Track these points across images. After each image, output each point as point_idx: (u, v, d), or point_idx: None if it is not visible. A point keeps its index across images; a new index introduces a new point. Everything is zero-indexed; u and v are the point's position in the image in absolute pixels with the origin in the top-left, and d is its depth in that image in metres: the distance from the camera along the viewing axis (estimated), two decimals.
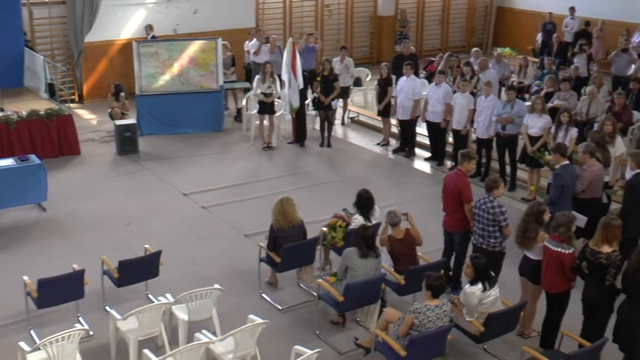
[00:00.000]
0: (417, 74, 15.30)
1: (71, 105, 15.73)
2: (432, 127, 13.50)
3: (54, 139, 13.44)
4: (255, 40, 16.49)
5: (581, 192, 9.36)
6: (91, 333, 7.99)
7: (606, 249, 7.23)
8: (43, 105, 13.77)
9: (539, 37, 20.42)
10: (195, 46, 15.12)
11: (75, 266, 8.19)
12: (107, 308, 8.22)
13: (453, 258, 9.09)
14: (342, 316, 8.37)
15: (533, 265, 7.87)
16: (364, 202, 9.07)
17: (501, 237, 8.34)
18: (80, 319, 8.20)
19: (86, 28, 16.63)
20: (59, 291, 7.86)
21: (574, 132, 11.33)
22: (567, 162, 9.46)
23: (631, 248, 7.46)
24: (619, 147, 10.51)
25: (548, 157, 10.11)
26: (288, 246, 8.59)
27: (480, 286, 7.41)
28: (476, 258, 7.54)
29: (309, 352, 6.73)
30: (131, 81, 15.28)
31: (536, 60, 18.94)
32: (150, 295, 8.72)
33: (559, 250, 7.47)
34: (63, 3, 16.75)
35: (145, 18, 17.45)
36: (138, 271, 8.43)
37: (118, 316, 7.53)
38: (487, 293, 7.42)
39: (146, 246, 8.90)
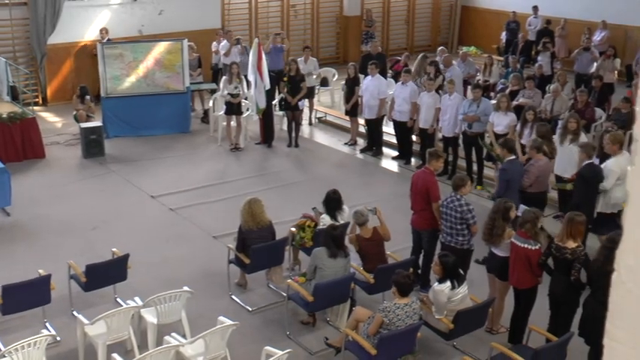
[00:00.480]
0: (385, 73, 15.38)
1: (35, 108, 15.54)
2: (398, 126, 13.57)
3: (17, 143, 13.24)
4: (225, 41, 16.48)
5: (529, 186, 9.52)
6: (59, 339, 7.89)
7: (571, 244, 7.33)
8: (5, 108, 13.57)
9: (504, 35, 20.65)
10: (160, 48, 15.01)
11: (41, 271, 8.09)
12: (74, 313, 8.11)
13: (421, 256, 9.15)
14: (312, 316, 8.37)
15: (501, 261, 7.96)
16: (331, 202, 9.08)
17: (469, 235, 8.41)
18: (47, 324, 8.09)
19: (49, 29, 16.41)
20: (25, 297, 7.76)
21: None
22: (514, 157, 9.61)
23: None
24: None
25: (498, 151, 10.30)
26: (257, 247, 8.57)
27: (448, 284, 7.46)
28: (444, 256, 7.60)
29: (280, 352, 6.72)
30: (96, 83, 15.11)
31: (501, 58, 19.14)
32: (118, 299, 8.63)
33: (526, 246, 7.56)
34: (24, 4, 16.51)
35: (110, 19, 17.27)
36: (105, 274, 8.35)
37: (85, 321, 7.45)
38: (456, 291, 7.49)
39: (113, 249, 8.82)
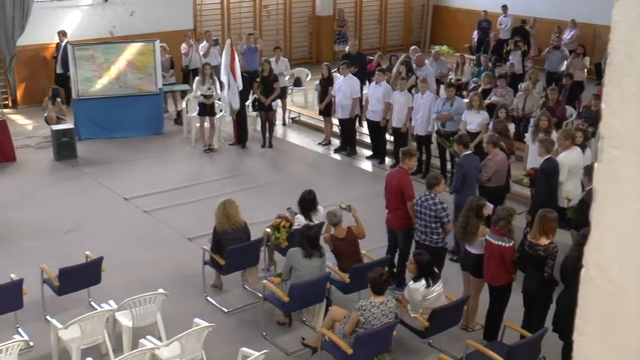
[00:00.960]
0: (364, 73, 15.39)
1: (4, 110, 15.33)
2: (372, 125, 13.61)
3: None
4: (205, 42, 16.52)
5: (487, 180, 9.68)
6: (32, 344, 7.79)
7: (544, 241, 7.41)
8: None
9: (475, 34, 20.80)
10: (132, 49, 14.90)
11: (12, 276, 7.99)
12: (48, 318, 8.03)
13: (397, 255, 9.19)
14: (288, 317, 8.37)
15: (475, 259, 8.02)
16: (306, 203, 9.09)
17: (443, 233, 8.46)
18: (19, 330, 8.00)
19: (18, 31, 16.19)
20: None
21: (511, 127, 11.58)
22: (470, 152, 9.79)
23: None
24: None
25: (455, 147, 10.48)
26: (232, 248, 8.54)
27: (423, 282, 7.50)
28: (418, 254, 7.64)
29: (256, 353, 6.72)
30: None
31: (473, 57, 19.28)
32: (92, 303, 8.56)
33: (499, 243, 7.62)
34: None
35: (80, 20, 17.11)
36: (79, 278, 8.28)
37: (59, 325, 7.38)
38: (431, 289, 7.53)
39: (87, 253, 8.75)
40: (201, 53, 16.47)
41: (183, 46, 16.58)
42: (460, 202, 9.08)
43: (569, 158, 9.61)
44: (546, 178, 9.37)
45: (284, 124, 15.93)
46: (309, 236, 8.07)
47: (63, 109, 14.54)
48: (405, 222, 8.91)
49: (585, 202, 8.79)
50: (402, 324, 7.61)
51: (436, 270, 7.77)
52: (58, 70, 16.36)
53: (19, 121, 15.95)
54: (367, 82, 14.69)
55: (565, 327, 7.16)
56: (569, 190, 9.48)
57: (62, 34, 16.43)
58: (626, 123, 1.39)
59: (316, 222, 9.06)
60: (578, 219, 8.72)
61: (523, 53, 17.85)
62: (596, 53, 18.70)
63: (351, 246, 8.58)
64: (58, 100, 14.53)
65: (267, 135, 14.46)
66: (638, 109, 1.38)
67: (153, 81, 14.98)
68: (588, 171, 8.91)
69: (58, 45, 16.41)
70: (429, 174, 8.80)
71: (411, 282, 7.64)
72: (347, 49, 17.23)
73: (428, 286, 7.51)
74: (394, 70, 14.47)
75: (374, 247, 9.44)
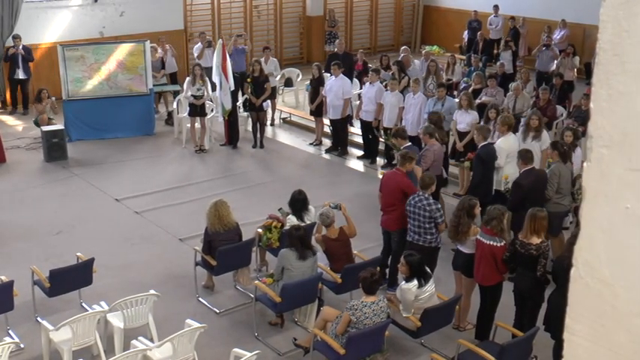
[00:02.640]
0: (351, 73, 15.41)
1: None
2: (364, 125, 13.62)
3: None
4: (199, 43, 16.53)
5: (426, 170, 9.79)
6: (22, 346, 7.77)
7: (535, 240, 7.44)
8: None
9: (466, 34, 20.85)
10: (122, 50, 14.86)
11: (3, 277, 7.96)
12: (39, 319, 8.00)
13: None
14: (280, 317, 8.37)
15: (467, 258, 8.03)
16: (297, 203, 9.09)
17: (437, 233, 8.48)
18: (10, 332, 7.96)
19: (6, 31, 16.12)
20: None
21: None
22: (409, 144, 10.03)
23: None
24: (545, 141, 10.82)
25: (394, 140, 10.59)
26: (223, 249, 8.53)
27: (415, 282, 7.51)
28: (409, 255, 7.65)
29: (248, 354, 6.71)
30: (57, 86, 14.91)
31: (464, 57, 19.33)
32: (83, 304, 8.54)
33: (491, 243, 7.64)
34: None
35: (70, 21, 17.06)
36: (70, 279, 8.25)
37: (50, 327, 7.35)
38: (423, 289, 7.54)
39: (78, 254, 8.72)
40: (195, 54, 16.52)
41: (159, 50, 16.43)
42: None
43: (507, 144, 10.04)
44: (482, 163, 9.74)
45: (272, 124, 15.90)
46: (301, 237, 8.07)
47: (53, 102, 14.37)
48: (401, 223, 8.92)
49: (518, 184, 9.17)
50: (394, 324, 7.62)
51: (428, 270, 7.78)
52: (21, 76, 16.03)
53: (9, 122, 15.88)
54: (352, 82, 14.72)
55: (556, 326, 7.20)
56: (509, 174, 9.84)
57: (17, 38, 15.90)
58: (614, 122, 1.40)
59: (308, 222, 9.07)
60: (512, 199, 9.21)
61: (514, 53, 17.90)
62: (586, 53, 18.78)
63: (343, 246, 8.59)
64: (53, 98, 14.43)
65: (259, 135, 14.45)
66: (627, 109, 1.38)
67: (143, 81, 14.95)
68: (522, 155, 9.26)
69: (7, 50, 15.91)
70: (424, 174, 8.81)
71: (403, 282, 7.64)
72: (332, 48, 17.26)
73: (420, 286, 7.52)
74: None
75: (365, 247, 9.45)
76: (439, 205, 8.46)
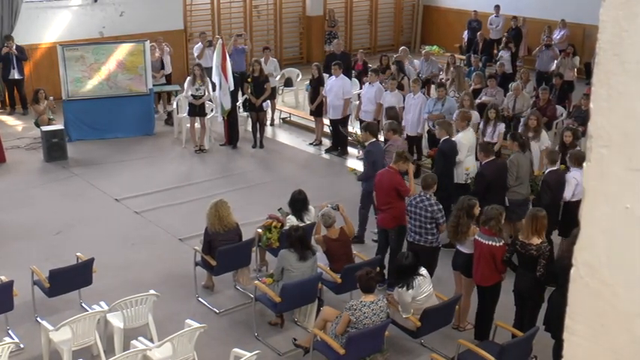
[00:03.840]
0: (349, 73, 15.42)
1: None
2: None
3: None
4: (200, 43, 16.55)
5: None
6: (22, 346, 7.77)
7: (536, 240, 7.43)
8: None
9: (466, 34, 20.84)
10: (122, 50, 14.86)
11: (2, 277, 7.96)
12: (38, 319, 8.00)
13: (387, 255, 9.19)
14: (280, 317, 8.37)
15: (466, 258, 8.03)
16: (297, 203, 9.09)
17: (438, 233, 8.48)
18: (10, 332, 7.97)
19: (6, 31, 16.11)
20: None
21: (502, 127, 11.62)
22: (375, 139, 10.09)
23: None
24: (544, 140, 10.83)
25: (359, 135, 10.66)
26: (223, 249, 8.53)
27: (403, 285, 7.49)
28: (401, 258, 7.66)
29: (248, 354, 6.71)
30: (57, 86, 14.91)
31: (464, 57, 19.32)
32: (83, 304, 8.54)
33: (490, 243, 7.63)
34: None
35: (70, 21, 17.06)
36: (70, 279, 8.25)
37: (50, 327, 7.35)
38: (420, 290, 7.53)
39: (78, 254, 8.72)
40: (195, 54, 16.52)
41: (158, 50, 16.42)
42: (370, 188, 9.65)
43: (466, 138, 10.36)
44: (444, 157, 9.98)
45: (272, 124, 15.90)
46: (300, 237, 8.06)
47: (51, 102, 14.39)
48: (397, 220, 8.93)
49: (482, 174, 9.52)
50: (394, 324, 7.62)
51: (423, 271, 7.71)
52: (17, 76, 15.96)
53: (9, 122, 15.88)
54: (351, 81, 14.74)
55: (556, 326, 7.20)
56: (469, 166, 10.28)
57: (9, 38, 15.82)
58: (614, 122, 1.40)
59: (307, 222, 9.06)
60: (475, 188, 9.48)
61: (513, 54, 17.90)
62: (586, 53, 18.78)
63: (343, 246, 8.59)
64: (51, 99, 14.44)
65: (258, 135, 14.45)
66: (627, 109, 1.38)
67: (143, 81, 14.95)
68: (484, 147, 9.65)
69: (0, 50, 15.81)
70: (426, 174, 8.82)
71: (398, 287, 7.65)
72: (331, 48, 17.28)
73: (408, 289, 7.49)
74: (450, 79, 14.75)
75: (364, 246, 9.46)
76: (440, 206, 8.47)
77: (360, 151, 10.44)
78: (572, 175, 9.23)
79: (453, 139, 10.22)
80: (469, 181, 10.04)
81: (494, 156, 9.67)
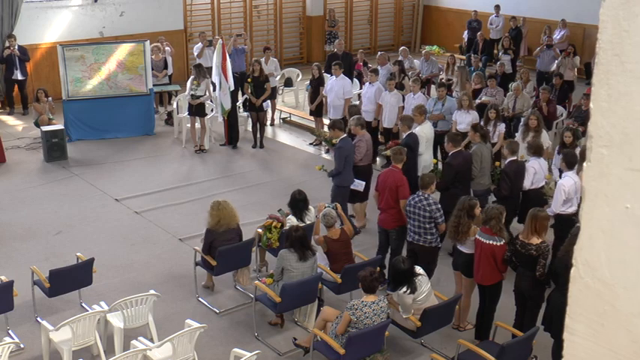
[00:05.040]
0: (350, 73, 15.42)
1: None
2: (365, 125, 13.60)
3: None
4: (199, 42, 16.61)
5: (359, 160, 10.25)
6: (22, 346, 7.77)
7: (535, 240, 7.43)
8: None
9: (466, 34, 20.85)
10: (122, 50, 14.86)
11: (2, 277, 7.96)
12: (39, 319, 8.01)
13: (388, 255, 9.19)
14: (280, 317, 8.37)
15: (467, 258, 8.03)
16: (297, 203, 9.09)
17: (437, 233, 8.48)
18: (10, 332, 7.96)
19: (6, 31, 16.11)
20: None
21: (502, 127, 11.62)
22: (345, 135, 10.23)
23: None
24: (544, 141, 10.82)
25: (325, 133, 10.73)
26: (223, 249, 8.53)
27: (404, 288, 7.49)
28: (396, 262, 7.65)
29: (248, 354, 6.71)
30: (57, 86, 14.92)
31: (464, 57, 19.32)
32: (83, 304, 8.54)
33: (491, 242, 7.63)
34: None
35: (70, 21, 17.07)
36: (70, 279, 8.25)
37: (50, 327, 7.35)
38: (420, 290, 7.53)
39: (78, 254, 8.72)
40: (195, 54, 16.55)
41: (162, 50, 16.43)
42: (342, 183, 9.92)
43: (424, 132, 10.70)
44: (410, 150, 10.10)
45: (272, 124, 15.90)
46: (301, 237, 8.06)
47: (50, 102, 14.40)
48: (399, 221, 8.93)
49: (449, 164, 9.78)
50: (394, 324, 7.61)
51: (420, 271, 7.71)
52: (20, 77, 15.94)
53: (9, 122, 15.87)
54: (352, 81, 14.75)
55: (557, 326, 7.20)
56: (426, 160, 10.69)
57: (12, 38, 15.79)
58: (614, 122, 1.40)
59: (307, 222, 9.06)
60: (444, 178, 9.69)
61: (514, 55, 17.90)
62: (586, 53, 18.79)
63: (344, 247, 8.59)
64: (50, 99, 14.44)
65: (258, 135, 14.45)
66: (627, 109, 1.38)
67: (143, 81, 14.95)
68: (452, 138, 9.82)
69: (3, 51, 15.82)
70: (423, 174, 8.81)
71: (399, 290, 7.64)
72: (332, 48, 17.31)
73: (411, 292, 7.49)
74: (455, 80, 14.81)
75: (366, 247, 9.46)
76: (439, 206, 8.46)
77: (328, 149, 10.56)
78: (531, 165, 9.59)
79: (414, 132, 10.54)
80: (436, 172, 10.26)
81: (461, 147, 9.87)
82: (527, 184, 9.55)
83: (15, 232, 10.62)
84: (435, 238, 8.49)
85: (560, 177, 9.56)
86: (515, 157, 9.59)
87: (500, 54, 18.15)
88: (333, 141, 10.29)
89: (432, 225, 8.41)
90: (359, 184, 10.24)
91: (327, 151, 10.97)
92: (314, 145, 14.72)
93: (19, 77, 15.95)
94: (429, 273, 8.34)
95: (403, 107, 12.67)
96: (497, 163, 10.58)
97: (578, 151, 10.37)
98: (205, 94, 14.04)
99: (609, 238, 1.43)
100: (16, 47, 15.73)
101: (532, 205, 8.79)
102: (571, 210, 8.90)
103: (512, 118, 13.30)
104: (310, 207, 9.28)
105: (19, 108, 16.37)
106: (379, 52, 16.15)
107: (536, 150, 9.68)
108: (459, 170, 9.55)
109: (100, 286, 8.72)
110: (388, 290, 8.49)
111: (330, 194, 10.14)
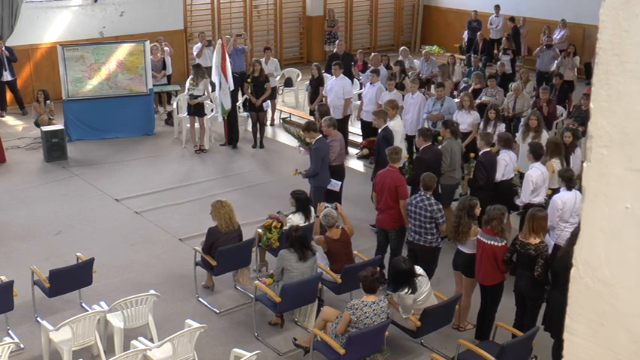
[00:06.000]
0: (350, 73, 15.42)
1: None
2: (365, 125, 13.62)
3: None
4: (199, 42, 16.62)
5: (333, 160, 10.37)
6: (22, 346, 7.77)
7: (534, 240, 7.43)
8: None
9: (466, 34, 20.84)
10: (122, 50, 14.87)
11: (2, 277, 7.96)
12: (39, 319, 8.01)
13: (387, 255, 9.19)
14: (280, 317, 8.37)
15: (467, 258, 8.03)
16: (303, 202, 9.13)
17: (438, 233, 8.47)
18: (10, 332, 7.96)
19: (7, 31, 16.11)
20: None
21: (502, 127, 11.61)
22: (320, 136, 10.29)
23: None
24: (544, 141, 10.81)
25: (300, 133, 10.90)
26: (223, 249, 8.53)
27: (406, 290, 7.49)
28: (396, 262, 7.65)
29: (248, 354, 6.71)
30: (57, 86, 14.91)
31: (464, 57, 19.32)
32: (83, 304, 8.54)
33: (492, 242, 7.63)
34: None
35: (70, 21, 17.07)
36: (70, 279, 8.25)
37: (50, 327, 7.35)
38: (420, 291, 7.53)
39: (78, 254, 8.72)
40: (195, 53, 16.55)
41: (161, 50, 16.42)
42: (320, 184, 10.00)
43: (397, 126, 10.94)
44: (387, 143, 10.22)
45: (272, 124, 15.90)
46: (301, 237, 8.06)
47: (50, 106, 14.42)
48: (398, 221, 8.93)
49: (420, 159, 9.93)
50: (394, 324, 7.61)
51: (420, 271, 7.71)
52: (9, 78, 15.84)
53: (9, 122, 15.87)
54: (352, 82, 14.76)
55: (556, 326, 7.20)
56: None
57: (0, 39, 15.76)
58: (614, 122, 1.40)
59: (308, 222, 9.06)
60: (414, 172, 9.78)
61: (513, 55, 17.90)
62: (586, 53, 18.78)
63: (344, 247, 8.59)
64: (49, 102, 14.45)
65: (258, 135, 14.45)
66: (627, 109, 1.38)
67: (143, 81, 14.95)
68: (423, 132, 10.02)
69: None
70: (425, 174, 8.81)
71: (400, 291, 7.64)
72: (334, 49, 17.31)
73: (412, 293, 7.49)
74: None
75: (365, 247, 9.46)
76: (440, 206, 8.47)
77: (302, 149, 10.72)
78: (502, 157, 9.80)
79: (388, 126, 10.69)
80: (406, 168, 10.53)
81: (432, 142, 10.04)
82: (498, 175, 9.78)
83: (15, 232, 10.62)
84: (435, 238, 8.49)
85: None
86: (489, 149, 9.82)
87: (500, 54, 18.17)
88: (307, 140, 10.36)
89: (432, 225, 8.41)
90: (335, 184, 10.33)
91: (300, 152, 11.06)
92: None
93: (9, 78, 15.86)
94: (430, 273, 8.33)
95: (402, 107, 12.65)
96: (471, 155, 10.90)
97: (578, 151, 10.39)
98: (204, 94, 14.03)
99: (609, 238, 1.43)
100: (3, 47, 15.65)
101: (503, 196, 9.39)
102: (538, 200, 9.18)
103: (512, 118, 13.30)
104: (311, 207, 9.28)
105: (14, 109, 16.30)
106: (373, 54, 16.15)
107: (506, 142, 9.98)
108: (429, 165, 9.62)
109: (100, 286, 8.72)
110: (388, 290, 8.50)
111: (310, 196, 10.13)
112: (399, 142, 10.75)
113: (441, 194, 9.64)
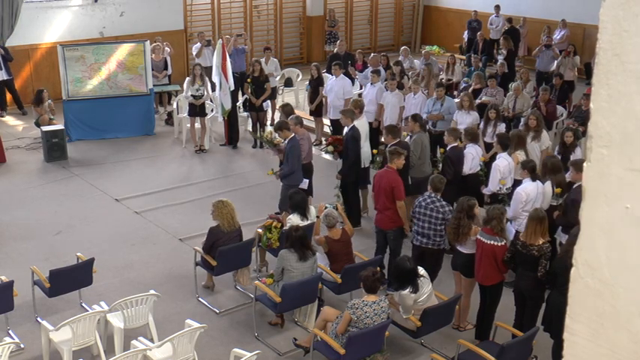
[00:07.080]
0: (350, 73, 15.41)
1: None
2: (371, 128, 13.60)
3: None
4: (198, 42, 16.61)
5: (303, 158, 10.45)
6: (22, 346, 7.77)
7: (538, 242, 7.43)
8: None
9: (466, 34, 20.84)
10: (122, 50, 14.86)
11: (3, 277, 7.96)
12: (39, 319, 8.01)
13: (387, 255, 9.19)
14: (280, 317, 8.37)
15: (466, 258, 8.03)
16: (301, 203, 9.10)
17: (446, 234, 8.47)
18: (10, 332, 7.97)
19: (7, 31, 16.10)
20: None
21: (502, 127, 11.61)
22: (293, 134, 10.32)
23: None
24: (544, 141, 10.82)
25: (266, 135, 11.08)
26: (224, 249, 8.53)
27: (409, 289, 7.49)
28: (401, 261, 7.64)
29: (249, 354, 6.71)
30: (57, 86, 14.91)
31: (464, 57, 19.32)
32: (84, 304, 8.54)
33: (492, 242, 7.63)
34: None
35: (70, 21, 17.06)
36: (70, 279, 8.25)
37: (50, 327, 7.35)
38: (421, 292, 7.53)
39: (78, 254, 8.72)
40: (194, 53, 16.55)
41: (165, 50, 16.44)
42: (293, 182, 10.00)
43: (362, 126, 11.10)
44: (356, 142, 10.54)
45: (272, 124, 15.87)
46: (301, 237, 8.06)
47: (51, 104, 14.40)
48: (396, 221, 8.92)
49: (449, 157, 10.11)
50: (394, 324, 7.61)
51: (422, 271, 7.71)
52: (6, 77, 15.80)
53: (9, 122, 15.87)
54: (353, 82, 14.76)
55: (556, 326, 7.20)
56: (366, 151, 11.03)
57: None
58: (614, 122, 1.40)
59: (307, 222, 9.06)
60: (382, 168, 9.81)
61: (510, 54, 17.89)
62: (586, 53, 18.78)
63: (345, 247, 8.59)
64: (50, 102, 14.45)
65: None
66: (627, 109, 1.38)
67: (143, 81, 14.95)
68: (391, 130, 10.15)
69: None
70: (434, 176, 8.78)
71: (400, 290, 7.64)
72: (335, 49, 17.31)
73: (414, 292, 7.49)
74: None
75: (365, 247, 9.46)
76: (451, 207, 8.48)
77: (273, 151, 10.84)
78: (468, 151, 10.03)
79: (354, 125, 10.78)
80: (375, 163, 10.90)
81: (400, 138, 10.19)
82: (465, 169, 9.97)
83: (15, 232, 10.62)
84: (443, 240, 8.50)
85: None
86: (456, 144, 10.00)
87: (498, 54, 18.18)
88: (276, 141, 10.48)
89: (442, 227, 8.41)
90: (304, 182, 10.36)
91: (270, 154, 11.20)
92: (314, 145, 14.67)
93: (5, 77, 15.84)
94: (434, 275, 8.34)
95: (404, 107, 12.65)
96: (441, 150, 11.05)
97: (578, 151, 10.40)
98: (205, 94, 14.04)
99: (609, 238, 1.43)
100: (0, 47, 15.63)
101: (471, 189, 9.62)
102: (504, 189, 9.52)
103: (512, 118, 13.29)
104: (311, 207, 9.28)
105: (14, 109, 16.29)
106: (371, 54, 16.15)
107: (473, 136, 10.22)
108: (457, 163, 9.82)
109: (100, 286, 8.72)
110: (389, 290, 8.50)
111: (280, 195, 10.14)
112: (364, 140, 10.92)
113: (410, 186, 9.87)
